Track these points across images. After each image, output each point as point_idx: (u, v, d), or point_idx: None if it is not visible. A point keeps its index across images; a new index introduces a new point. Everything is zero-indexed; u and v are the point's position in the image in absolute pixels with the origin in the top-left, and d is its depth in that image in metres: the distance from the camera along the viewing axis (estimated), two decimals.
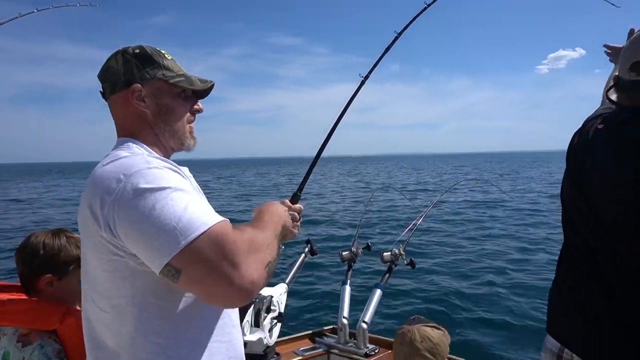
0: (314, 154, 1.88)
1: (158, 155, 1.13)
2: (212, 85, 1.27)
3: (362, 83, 2.04)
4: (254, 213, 1.18)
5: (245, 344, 2.58)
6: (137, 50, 1.18)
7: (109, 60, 1.20)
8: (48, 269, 1.52)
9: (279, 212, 1.21)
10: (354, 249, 3.29)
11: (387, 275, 3.11)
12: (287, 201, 1.48)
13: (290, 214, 1.42)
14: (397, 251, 3.14)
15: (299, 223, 1.48)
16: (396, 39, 2.16)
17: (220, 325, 1.11)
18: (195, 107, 1.25)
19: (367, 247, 3.34)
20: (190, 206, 0.94)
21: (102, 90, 1.21)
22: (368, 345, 2.87)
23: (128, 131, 1.18)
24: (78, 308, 1.48)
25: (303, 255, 3.26)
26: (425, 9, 2.20)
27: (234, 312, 1.19)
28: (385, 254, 3.15)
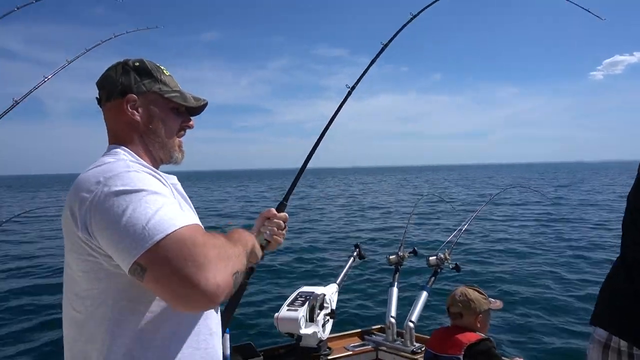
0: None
1: (145, 163, 1.14)
2: (205, 104, 1.31)
3: (349, 94, 2.05)
4: (227, 233, 1.18)
5: (300, 337, 2.83)
6: (137, 63, 1.22)
7: (109, 69, 1.23)
8: None
9: (249, 235, 1.23)
10: (400, 253, 3.45)
11: (433, 278, 3.24)
12: (273, 210, 1.56)
13: (275, 222, 1.52)
14: (442, 255, 3.26)
15: (284, 231, 1.56)
16: (382, 50, 2.18)
17: (195, 332, 1.09)
18: (186, 123, 1.28)
19: (414, 252, 3.50)
20: (162, 209, 0.95)
21: (98, 97, 1.25)
22: (415, 343, 3.00)
23: (119, 138, 1.20)
24: None
25: (352, 258, 3.45)
26: (411, 20, 2.22)
27: (213, 320, 1.17)
28: (431, 258, 3.28)
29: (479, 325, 2.32)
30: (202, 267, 0.88)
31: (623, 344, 1.45)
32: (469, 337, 2.25)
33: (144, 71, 1.21)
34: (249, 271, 1.63)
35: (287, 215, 1.58)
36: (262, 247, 1.46)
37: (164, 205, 0.96)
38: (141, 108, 1.19)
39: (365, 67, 2.13)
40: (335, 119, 2.01)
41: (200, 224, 1.03)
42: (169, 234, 0.90)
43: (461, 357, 2.21)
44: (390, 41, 2.19)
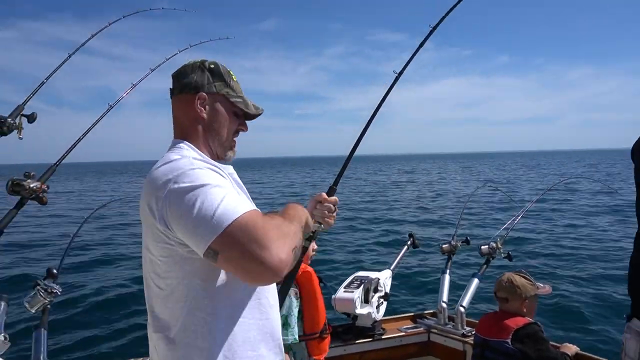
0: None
1: (204, 157, 1.27)
2: (261, 113, 1.44)
3: (396, 79, 2.03)
4: (282, 209, 1.29)
5: (356, 316, 3.07)
6: (212, 66, 1.34)
7: (186, 65, 1.34)
8: None
9: (302, 210, 1.32)
10: (453, 242, 3.55)
11: (485, 266, 3.34)
12: (324, 194, 1.64)
13: (326, 206, 1.60)
14: (494, 245, 3.35)
15: (334, 214, 1.65)
16: (431, 32, 2.12)
17: (255, 305, 1.24)
18: (242, 127, 1.40)
19: (466, 241, 3.59)
20: (225, 199, 1.07)
21: (172, 87, 1.35)
22: (465, 327, 3.14)
23: (183, 131, 1.32)
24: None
25: (406, 246, 3.62)
26: (460, 1, 2.12)
27: (271, 294, 1.31)
28: (483, 247, 3.38)
29: (525, 310, 2.41)
30: (265, 247, 1.00)
31: None
32: (516, 322, 2.35)
33: (217, 74, 1.33)
34: (303, 251, 1.75)
35: (337, 199, 1.65)
36: (314, 231, 1.60)
37: (226, 195, 1.08)
38: (209, 106, 1.31)
39: (413, 51, 2.07)
40: (383, 105, 1.99)
41: (257, 208, 1.14)
42: (234, 220, 1.03)
43: (509, 341, 2.31)
44: (438, 24, 2.11)
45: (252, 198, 1.33)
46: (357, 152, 1.93)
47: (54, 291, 2.37)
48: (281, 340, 1.33)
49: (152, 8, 3.37)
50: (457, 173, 47.59)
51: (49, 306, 2.41)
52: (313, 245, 2.18)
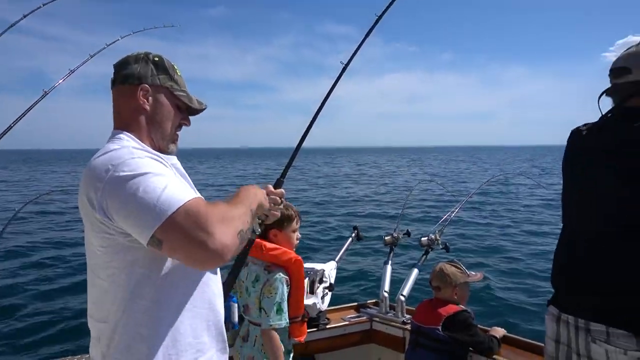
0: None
1: (145, 147, 1.26)
2: (205, 108, 1.44)
3: (344, 70, 2.04)
4: (235, 192, 1.30)
5: None
6: (157, 59, 1.33)
7: (129, 56, 1.33)
8: (272, 224, 2.14)
9: (254, 192, 1.33)
10: (395, 234, 3.69)
11: (424, 257, 3.51)
12: (270, 186, 1.61)
13: (272, 198, 1.55)
14: (433, 236, 3.53)
15: (281, 206, 1.62)
16: (377, 22, 2.12)
17: (199, 294, 1.25)
18: (184, 121, 1.40)
19: (407, 233, 3.74)
20: (168, 187, 1.07)
21: (113, 78, 1.33)
22: (405, 315, 3.28)
23: (124, 122, 1.30)
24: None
25: (350, 239, 3.71)
26: None
27: (215, 284, 1.33)
28: (423, 238, 3.55)
29: (456, 297, 2.57)
30: (209, 232, 1.02)
31: None
32: (447, 310, 2.50)
33: (162, 67, 1.33)
34: (249, 242, 1.81)
35: (283, 191, 1.64)
36: (261, 223, 1.59)
37: (168, 184, 1.08)
38: (152, 98, 1.30)
39: (359, 42, 2.08)
40: (330, 97, 1.99)
41: (200, 196, 1.15)
42: (178, 208, 1.04)
43: (440, 328, 2.46)
44: (384, 13, 2.13)
45: (199, 189, 1.32)
46: (305, 144, 1.95)
47: None
48: (224, 328, 1.35)
49: (134, 31, 3.25)
50: (405, 167, 49.12)
51: None
52: (297, 235, 2.37)
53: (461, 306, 2.54)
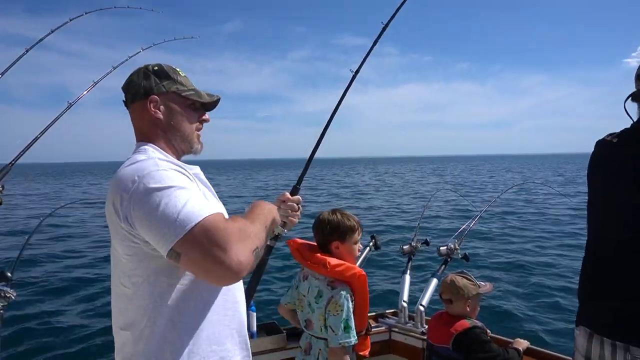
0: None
1: (169, 157, 1.30)
2: (218, 99, 1.44)
3: (353, 78, 2.06)
4: (248, 208, 1.33)
5: None
6: (156, 67, 1.36)
7: (131, 74, 1.37)
8: (334, 236, 2.19)
9: (268, 208, 1.35)
10: (413, 244, 3.65)
11: (443, 266, 3.46)
12: (287, 194, 1.69)
13: (289, 205, 1.63)
14: (452, 246, 3.48)
15: (298, 212, 1.69)
16: (384, 30, 2.13)
17: (221, 302, 1.27)
18: (203, 117, 1.43)
19: (426, 242, 3.68)
20: (189, 202, 1.09)
21: (124, 99, 1.38)
22: (425, 325, 3.22)
23: (144, 136, 1.34)
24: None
25: (368, 248, 3.68)
26: None
27: (238, 291, 1.34)
28: (442, 247, 3.50)
29: (468, 309, 2.46)
30: (225, 249, 1.03)
31: None
32: (457, 327, 2.37)
33: (163, 74, 1.36)
34: (269, 249, 1.84)
35: (300, 197, 1.69)
36: (278, 234, 1.64)
37: (190, 198, 1.11)
38: (162, 106, 1.34)
39: (367, 50, 2.10)
40: (344, 106, 2.04)
41: (221, 210, 1.18)
42: (196, 223, 1.06)
43: (450, 346, 2.36)
44: (390, 21, 2.14)
45: (223, 201, 1.35)
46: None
47: (8, 295, 2.29)
48: (247, 336, 1.37)
49: (117, 7, 3.34)
50: (424, 176, 48.82)
51: (1, 311, 2.32)
52: (358, 246, 2.30)
53: (472, 320, 2.44)
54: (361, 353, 2.34)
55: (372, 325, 3.42)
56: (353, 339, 2.10)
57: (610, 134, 1.74)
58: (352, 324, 2.12)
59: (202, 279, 1.12)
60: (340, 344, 2.06)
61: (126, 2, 3.30)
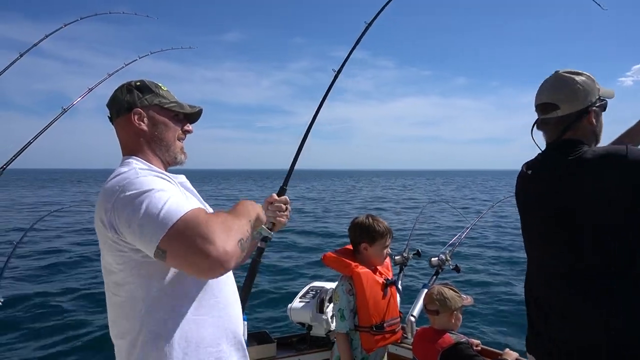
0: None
1: (153, 167, 1.33)
2: (201, 110, 1.49)
3: (336, 77, 2.12)
4: (231, 207, 1.34)
5: (311, 326, 3.09)
6: (138, 83, 1.40)
7: (115, 91, 1.41)
8: (364, 238, 2.50)
9: (252, 204, 1.37)
10: (405, 254, 3.61)
11: (434, 277, 3.45)
12: (274, 195, 1.75)
13: (277, 205, 1.69)
14: (444, 257, 3.48)
15: (287, 212, 1.75)
16: (366, 29, 2.18)
17: (214, 303, 1.29)
18: (186, 127, 1.46)
19: (417, 253, 3.66)
20: (169, 201, 1.12)
21: (109, 115, 1.42)
22: None
23: (130, 149, 1.38)
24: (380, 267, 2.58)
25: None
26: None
27: (230, 292, 1.36)
28: (433, 259, 3.49)
29: (453, 321, 2.44)
30: (210, 240, 1.04)
31: None
32: (441, 343, 2.34)
33: (145, 88, 1.40)
34: (260, 251, 1.86)
35: (287, 198, 1.74)
36: (269, 230, 1.67)
37: (170, 197, 1.14)
38: (146, 119, 1.38)
39: (350, 50, 2.18)
40: (323, 104, 2.11)
41: (204, 207, 1.21)
42: (178, 219, 1.08)
43: None
44: (373, 20, 2.21)
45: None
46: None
47: None
48: (242, 337, 1.38)
49: (112, 12, 3.38)
50: (419, 187, 48.95)
51: None
52: (387, 250, 2.58)
53: (457, 335, 2.40)
54: (365, 348, 2.40)
55: None
56: (345, 329, 2.34)
57: (526, 163, 1.77)
58: (346, 314, 2.37)
59: (191, 273, 1.13)
60: (335, 330, 2.35)
61: (122, 8, 3.32)
